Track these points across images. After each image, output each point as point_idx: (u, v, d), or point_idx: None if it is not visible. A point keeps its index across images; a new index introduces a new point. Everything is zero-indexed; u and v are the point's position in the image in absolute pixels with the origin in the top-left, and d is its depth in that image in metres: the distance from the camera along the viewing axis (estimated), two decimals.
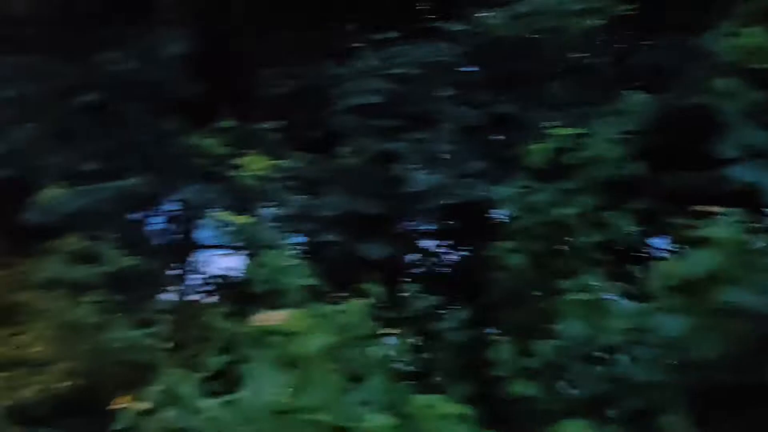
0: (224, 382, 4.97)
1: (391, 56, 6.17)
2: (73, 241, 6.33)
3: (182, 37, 7.43)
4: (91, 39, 7.58)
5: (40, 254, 6.89)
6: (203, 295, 6.31)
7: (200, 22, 7.71)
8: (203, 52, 7.48)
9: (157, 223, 6.88)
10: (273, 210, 6.06)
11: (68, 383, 6.00)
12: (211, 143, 6.65)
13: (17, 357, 6.69)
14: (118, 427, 4.62)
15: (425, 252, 6.81)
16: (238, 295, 5.75)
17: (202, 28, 7.60)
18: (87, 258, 6.21)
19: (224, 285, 6.22)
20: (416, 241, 6.76)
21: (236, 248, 6.14)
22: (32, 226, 7.33)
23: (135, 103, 7.21)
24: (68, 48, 7.62)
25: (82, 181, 6.77)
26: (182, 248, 6.78)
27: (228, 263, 6.28)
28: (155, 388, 4.68)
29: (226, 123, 6.75)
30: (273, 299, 5.30)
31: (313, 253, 5.53)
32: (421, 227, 6.76)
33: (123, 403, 5.64)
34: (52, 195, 6.76)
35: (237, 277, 6.01)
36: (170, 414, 4.32)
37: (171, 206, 6.80)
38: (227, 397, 4.09)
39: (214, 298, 6.11)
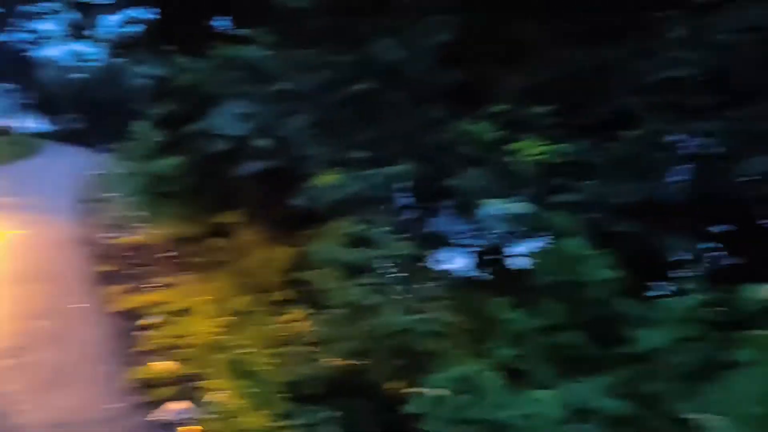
0: (513, 375, 4.66)
1: (707, 24, 5.42)
2: (346, 225, 6.46)
3: (447, 24, 7.35)
4: (357, 30, 7.79)
5: (315, 237, 7.18)
6: (478, 283, 6.07)
7: (464, 7, 7.57)
8: (469, 38, 7.33)
9: (429, 209, 6.81)
10: (555, 197, 5.65)
11: (342, 363, 6.07)
12: (481, 129, 6.42)
13: (293, 335, 7.01)
14: (410, 411, 4.49)
15: (748, 249, 5.93)
16: (520, 285, 5.43)
17: (467, 13, 7.44)
18: (361, 242, 6.28)
19: (503, 273, 5.94)
20: (735, 237, 5.92)
21: (514, 236, 5.83)
22: (305, 211, 7.69)
23: (401, 92, 7.24)
24: (338, 40, 7.90)
25: (351, 169, 6.92)
26: (453, 234, 6.62)
27: (504, 251, 5.97)
28: (444, 376, 4.49)
29: (496, 108, 6.48)
30: (562, 292, 4.90)
31: (605, 244, 5.01)
32: (737, 221, 5.90)
33: (399, 387, 5.56)
34: (325, 181, 6.96)
35: (518, 265, 5.69)
36: (468, 404, 4.10)
37: (442, 193, 6.67)
38: (549, 393, 3.76)
39: (492, 287, 5.84)
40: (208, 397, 6.82)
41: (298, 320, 7.30)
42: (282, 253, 8.97)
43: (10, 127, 48.02)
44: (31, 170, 27.72)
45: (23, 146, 38.56)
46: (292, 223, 9.01)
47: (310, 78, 7.69)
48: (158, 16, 14.21)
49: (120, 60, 21.26)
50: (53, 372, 7.57)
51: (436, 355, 4.98)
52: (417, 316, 5.31)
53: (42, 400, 6.84)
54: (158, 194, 14.12)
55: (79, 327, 9.08)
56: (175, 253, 12.24)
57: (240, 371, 6.78)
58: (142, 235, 14.04)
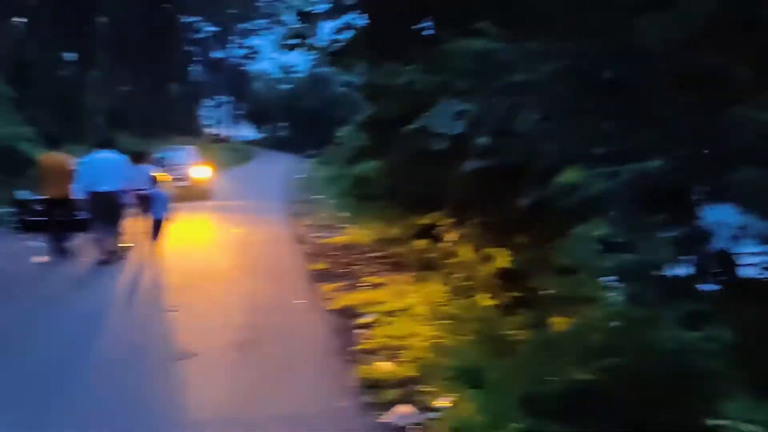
0: None
1: None
2: (593, 227, 5.83)
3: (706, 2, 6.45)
4: (599, 14, 7.11)
5: (550, 240, 6.62)
6: (754, 295, 5.15)
7: None
8: (733, 16, 6.37)
9: (685, 208, 5.97)
10: None
11: (589, 379, 5.43)
12: (757, 116, 5.46)
13: (524, 343, 6.50)
14: None
15: None
16: None
17: None
18: (611, 245, 5.61)
19: None
20: None
21: None
22: (531, 211, 7.16)
23: (653, 79, 6.45)
24: (576, 26, 7.27)
25: (596, 164, 6.25)
26: (715, 237, 5.71)
27: None
28: (750, 407, 3.73)
29: None
30: None
31: None
32: None
33: (664, 412, 4.82)
34: (565, 179, 6.36)
35: None
36: None
37: (705, 191, 5.81)
38: None
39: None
40: (436, 403, 6.52)
41: (526, 328, 6.78)
42: (501, 256, 8.51)
43: (228, 136, 53.12)
44: (247, 175, 30.11)
45: (239, 153, 42.21)
46: (513, 224, 8.51)
47: (546, 68, 7.11)
48: (368, 21, 14.47)
49: (327, 68, 22.19)
50: (280, 366, 7.72)
51: (720, 380, 4.20)
52: (695, 333, 4.53)
53: (271, 394, 6.95)
54: (364, 195, 14.38)
55: (301, 323, 9.29)
56: (385, 253, 12.30)
57: (469, 378, 6.40)
58: (350, 235, 14.38)
